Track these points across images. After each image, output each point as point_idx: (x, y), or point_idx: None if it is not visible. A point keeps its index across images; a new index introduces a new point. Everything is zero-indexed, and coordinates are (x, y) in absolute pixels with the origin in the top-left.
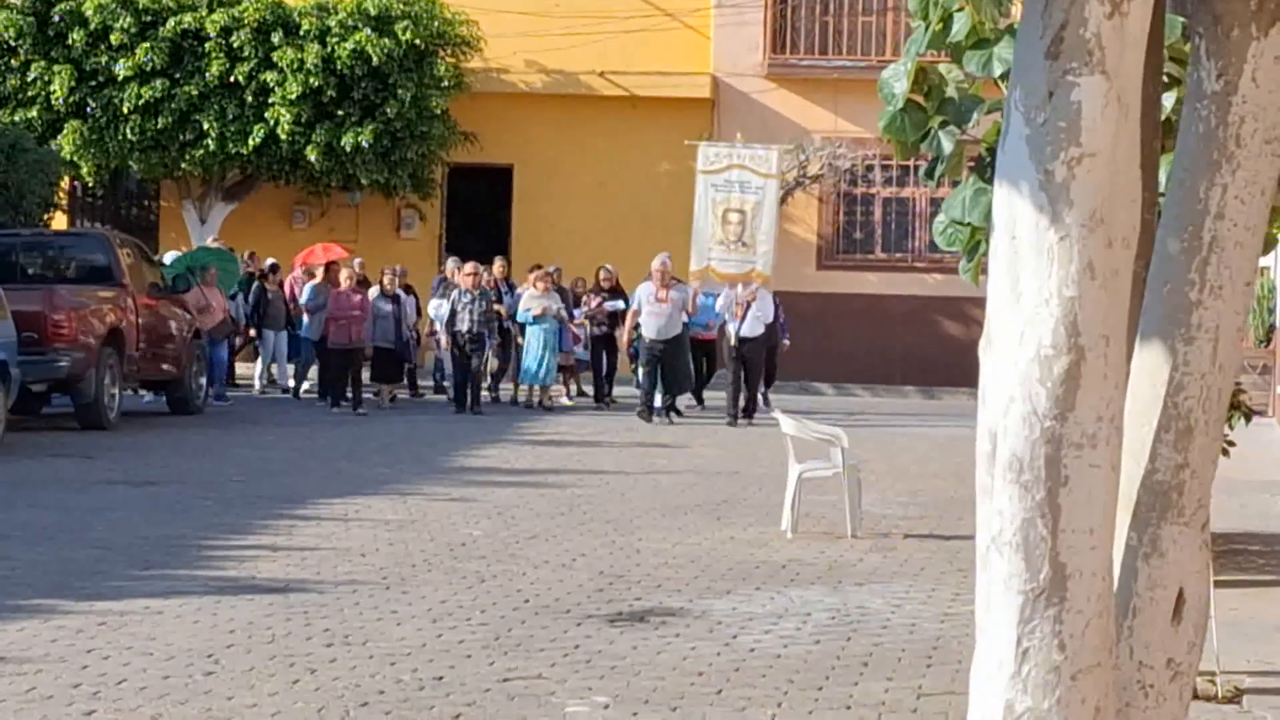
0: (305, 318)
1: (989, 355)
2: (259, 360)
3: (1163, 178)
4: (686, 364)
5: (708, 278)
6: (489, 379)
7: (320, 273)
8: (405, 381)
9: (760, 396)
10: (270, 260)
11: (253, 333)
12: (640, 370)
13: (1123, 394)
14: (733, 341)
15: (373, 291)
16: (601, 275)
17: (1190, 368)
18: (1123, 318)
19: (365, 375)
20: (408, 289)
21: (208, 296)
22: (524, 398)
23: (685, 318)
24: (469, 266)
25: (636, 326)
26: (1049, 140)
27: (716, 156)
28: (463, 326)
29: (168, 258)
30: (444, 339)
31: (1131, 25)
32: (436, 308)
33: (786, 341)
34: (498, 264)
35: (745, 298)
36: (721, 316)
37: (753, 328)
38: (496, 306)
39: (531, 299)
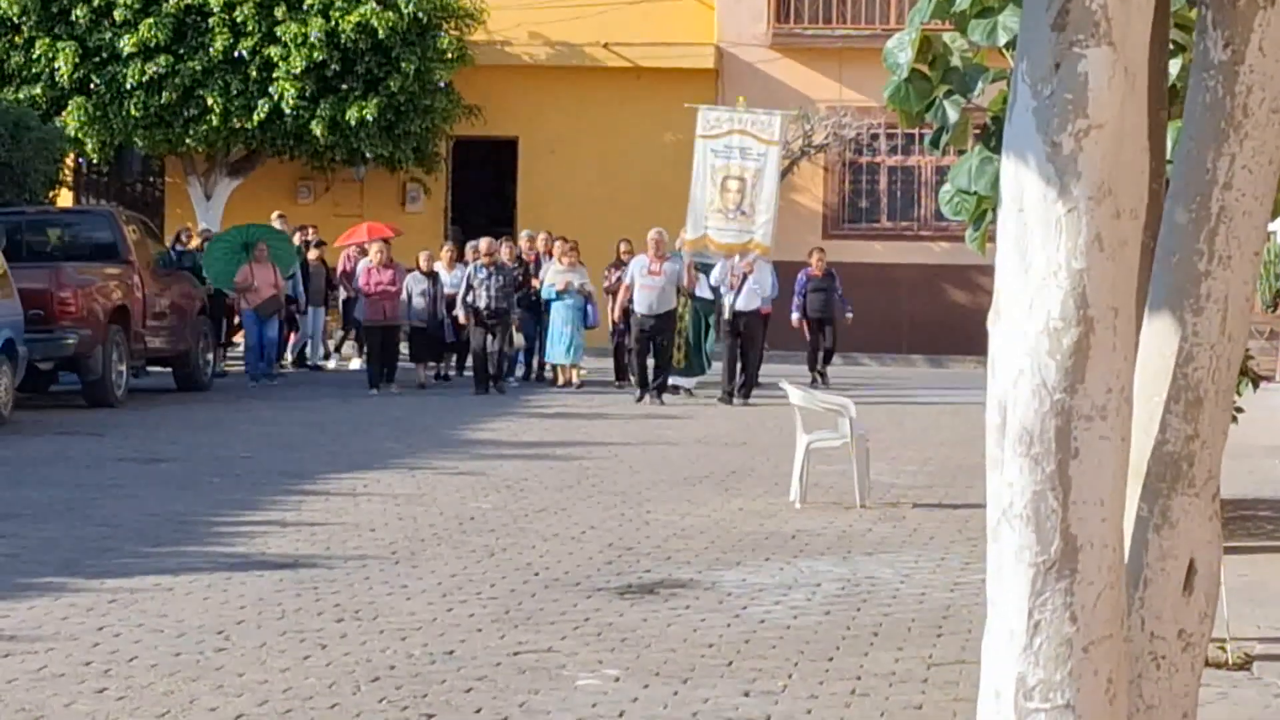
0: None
1: (998, 328)
2: (297, 336)
3: (1170, 144)
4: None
5: (704, 248)
6: (514, 355)
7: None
8: (452, 361)
9: (817, 373)
10: (314, 237)
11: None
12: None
13: (1132, 365)
14: (727, 315)
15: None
16: (622, 249)
17: (1199, 338)
18: (1131, 289)
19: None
20: (519, 261)
21: (255, 274)
22: (549, 375)
23: (708, 292)
24: (484, 244)
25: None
26: (1056, 112)
27: (717, 121)
28: (480, 303)
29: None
30: (462, 315)
31: None
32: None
33: (850, 315)
34: (536, 238)
35: (742, 269)
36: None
37: (749, 300)
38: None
39: (555, 274)
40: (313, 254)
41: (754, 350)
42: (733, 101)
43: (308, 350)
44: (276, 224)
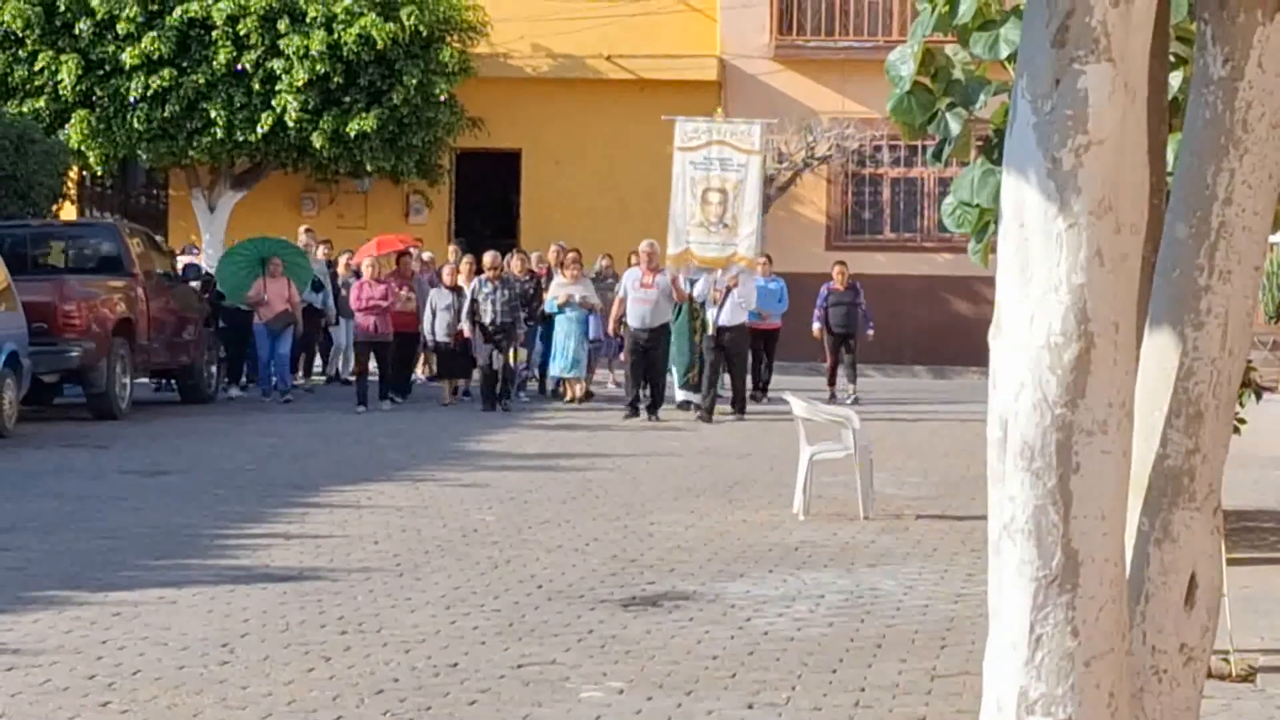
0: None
1: (999, 342)
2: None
3: (1170, 157)
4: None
5: (687, 262)
6: (524, 370)
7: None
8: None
9: (835, 390)
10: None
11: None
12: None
13: (1133, 380)
14: (710, 330)
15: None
16: (634, 260)
17: (1200, 353)
18: (1132, 303)
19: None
20: (531, 275)
21: (268, 288)
22: (556, 389)
23: (741, 307)
24: (488, 258)
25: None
26: (1056, 128)
27: (695, 132)
28: (485, 318)
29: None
30: (467, 330)
31: (1137, 11)
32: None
33: (870, 332)
34: (551, 250)
35: (726, 283)
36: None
37: (733, 315)
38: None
39: (558, 287)
40: (342, 266)
41: (740, 365)
42: (736, 113)
43: (340, 363)
44: (303, 238)
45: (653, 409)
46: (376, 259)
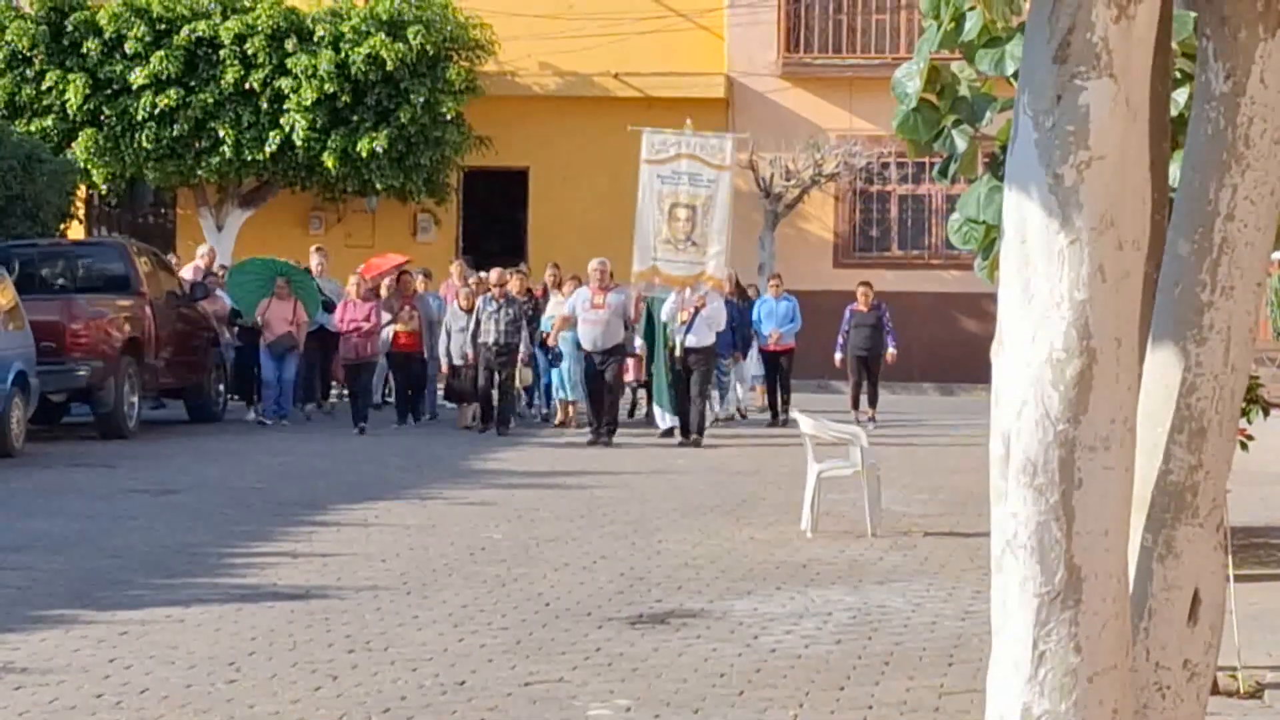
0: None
1: (1001, 358)
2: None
3: (1174, 174)
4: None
5: (653, 281)
6: (523, 394)
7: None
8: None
9: (861, 413)
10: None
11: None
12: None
13: (1135, 396)
14: (678, 351)
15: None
16: None
17: (1202, 368)
18: (1134, 319)
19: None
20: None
21: (272, 309)
22: (547, 413)
23: (718, 326)
24: (494, 275)
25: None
26: (1058, 144)
27: (663, 144)
28: (488, 338)
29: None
30: (469, 352)
31: (1139, 27)
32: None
33: (893, 351)
34: (548, 271)
35: (694, 302)
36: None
37: (701, 336)
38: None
39: (555, 306)
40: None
41: (704, 386)
42: (744, 130)
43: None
44: (315, 259)
45: (608, 432)
46: (361, 279)
